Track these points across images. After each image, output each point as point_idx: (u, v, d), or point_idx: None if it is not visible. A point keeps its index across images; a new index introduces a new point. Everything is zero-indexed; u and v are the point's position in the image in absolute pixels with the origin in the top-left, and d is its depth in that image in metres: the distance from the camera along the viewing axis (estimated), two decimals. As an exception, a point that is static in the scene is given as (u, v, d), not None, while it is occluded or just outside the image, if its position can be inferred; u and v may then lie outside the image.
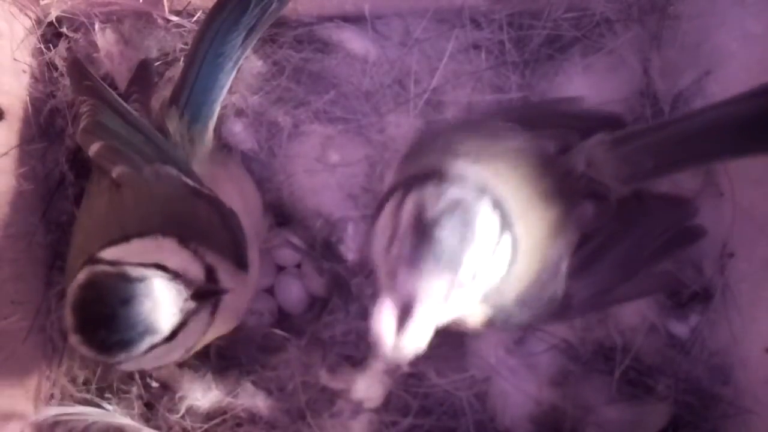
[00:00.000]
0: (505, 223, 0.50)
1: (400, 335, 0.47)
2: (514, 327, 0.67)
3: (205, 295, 0.57)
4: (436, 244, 0.46)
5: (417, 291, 0.47)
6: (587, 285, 0.58)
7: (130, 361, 0.56)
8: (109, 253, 0.56)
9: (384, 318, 0.47)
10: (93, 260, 0.55)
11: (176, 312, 0.54)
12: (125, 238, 0.57)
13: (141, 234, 0.58)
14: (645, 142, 0.57)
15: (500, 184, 0.52)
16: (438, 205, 0.47)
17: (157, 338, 0.54)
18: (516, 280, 0.53)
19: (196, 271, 0.57)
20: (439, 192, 0.48)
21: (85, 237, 0.61)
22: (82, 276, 0.54)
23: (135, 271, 0.53)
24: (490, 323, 0.56)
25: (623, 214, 0.58)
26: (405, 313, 0.47)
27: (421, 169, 0.53)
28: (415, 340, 0.47)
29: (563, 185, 0.56)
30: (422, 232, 0.47)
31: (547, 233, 0.55)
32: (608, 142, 0.57)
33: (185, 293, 0.55)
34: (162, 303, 0.53)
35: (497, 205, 0.50)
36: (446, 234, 0.47)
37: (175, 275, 0.55)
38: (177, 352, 0.59)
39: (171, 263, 0.55)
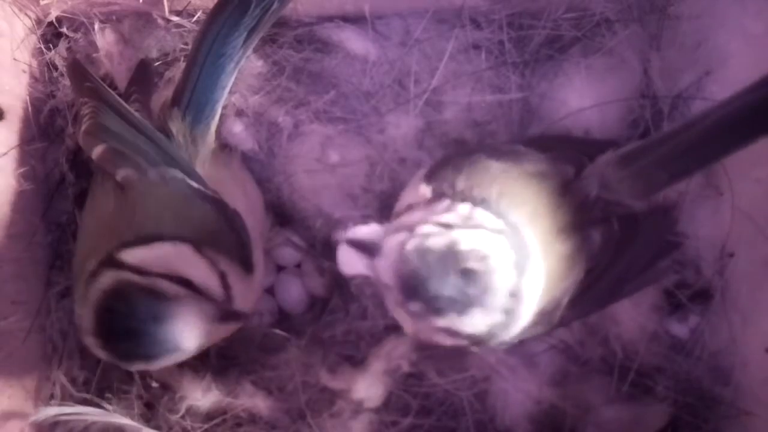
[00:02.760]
0: (522, 260, 0.50)
1: None
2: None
3: (229, 318, 0.58)
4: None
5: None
6: (579, 311, 0.59)
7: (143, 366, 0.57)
8: (130, 256, 0.56)
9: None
10: (114, 263, 0.55)
11: (204, 333, 0.55)
12: (143, 240, 0.57)
13: (156, 238, 0.58)
14: (657, 156, 0.56)
15: (521, 216, 0.52)
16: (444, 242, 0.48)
17: (183, 356, 0.55)
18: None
19: (215, 286, 0.57)
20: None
21: (92, 238, 0.61)
22: (107, 281, 0.54)
23: (168, 288, 0.54)
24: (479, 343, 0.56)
25: (620, 240, 0.58)
26: None
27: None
28: None
29: (578, 216, 0.56)
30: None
31: (558, 271, 0.54)
32: (616, 161, 0.57)
33: (212, 315, 0.56)
34: (192, 324, 0.54)
35: (516, 240, 0.50)
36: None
37: (202, 293, 0.55)
38: (184, 358, 0.59)
39: (195, 277, 0.56)
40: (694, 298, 0.72)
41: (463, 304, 0.47)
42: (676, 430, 0.70)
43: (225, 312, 0.57)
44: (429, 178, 0.58)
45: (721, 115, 0.54)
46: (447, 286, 0.47)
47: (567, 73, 0.75)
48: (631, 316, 0.71)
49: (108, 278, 0.55)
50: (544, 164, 0.58)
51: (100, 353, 0.55)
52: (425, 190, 0.56)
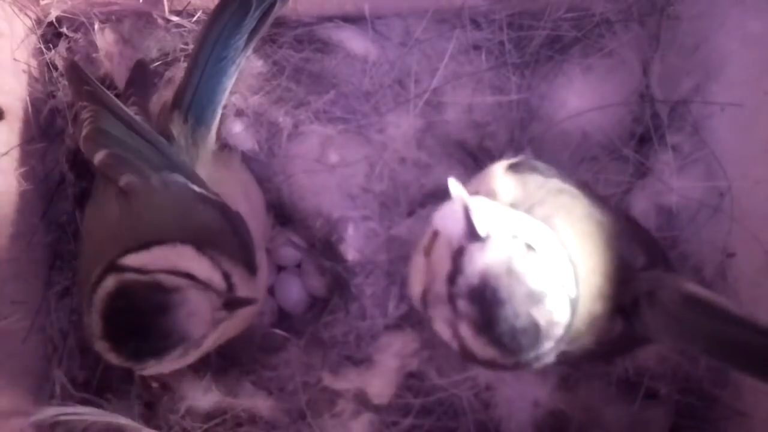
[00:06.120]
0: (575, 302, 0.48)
1: None
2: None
3: (235, 304, 0.57)
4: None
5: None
6: None
7: (156, 366, 0.57)
8: (132, 260, 0.56)
9: None
10: (117, 267, 0.55)
11: (209, 321, 0.55)
12: (144, 245, 0.57)
13: (158, 242, 0.58)
14: (715, 327, 0.51)
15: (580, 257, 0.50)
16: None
17: (189, 346, 0.55)
18: None
19: (218, 280, 0.57)
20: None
21: (97, 245, 0.61)
22: (110, 284, 0.54)
23: (170, 281, 0.54)
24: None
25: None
26: None
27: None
28: None
29: (619, 298, 0.53)
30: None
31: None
32: (680, 293, 0.53)
33: (217, 303, 0.56)
34: (197, 312, 0.54)
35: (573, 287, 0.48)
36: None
37: (205, 285, 0.55)
38: (194, 356, 0.60)
39: (198, 273, 0.56)
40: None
41: (533, 338, 0.46)
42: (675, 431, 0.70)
43: (229, 299, 0.57)
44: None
45: None
46: (520, 321, 0.45)
47: (567, 74, 0.75)
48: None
49: (110, 282, 0.55)
50: (618, 229, 0.55)
51: (113, 357, 0.55)
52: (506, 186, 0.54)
